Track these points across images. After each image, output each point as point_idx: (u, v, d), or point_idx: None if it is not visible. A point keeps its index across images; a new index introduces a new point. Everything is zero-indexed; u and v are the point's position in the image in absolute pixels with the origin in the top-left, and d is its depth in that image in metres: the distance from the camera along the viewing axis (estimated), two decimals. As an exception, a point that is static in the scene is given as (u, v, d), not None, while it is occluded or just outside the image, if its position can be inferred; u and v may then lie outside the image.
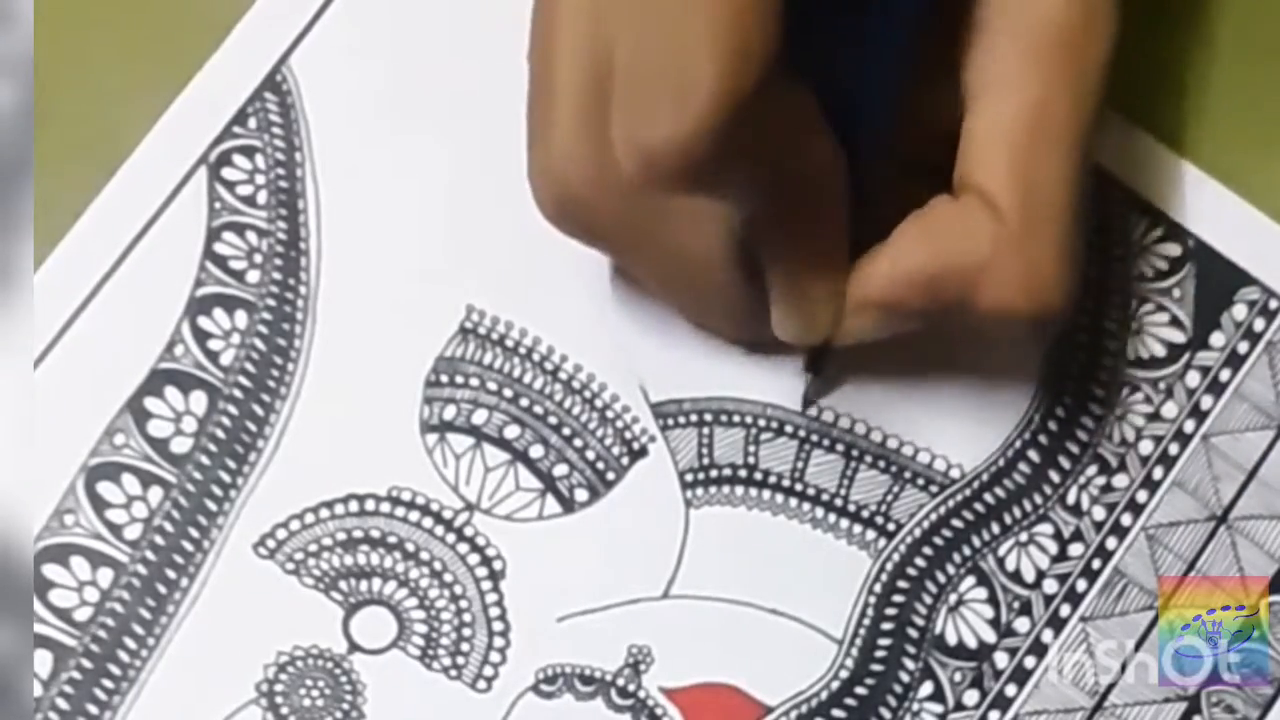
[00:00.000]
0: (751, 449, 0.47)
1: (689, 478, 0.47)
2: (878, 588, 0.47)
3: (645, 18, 0.38)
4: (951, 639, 0.47)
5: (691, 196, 0.40)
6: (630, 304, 0.47)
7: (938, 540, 0.47)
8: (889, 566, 0.47)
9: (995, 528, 0.47)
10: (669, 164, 0.38)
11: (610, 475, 0.47)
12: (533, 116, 0.43)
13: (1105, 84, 0.43)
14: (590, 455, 0.47)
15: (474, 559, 0.46)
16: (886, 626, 0.46)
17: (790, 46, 0.37)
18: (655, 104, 0.37)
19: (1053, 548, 0.47)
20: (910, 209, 0.43)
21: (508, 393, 0.47)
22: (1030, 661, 0.46)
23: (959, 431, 0.47)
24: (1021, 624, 0.47)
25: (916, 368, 0.47)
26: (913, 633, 0.47)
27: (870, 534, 0.47)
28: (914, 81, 0.43)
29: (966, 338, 0.46)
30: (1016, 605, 0.47)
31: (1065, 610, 0.47)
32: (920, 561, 0.47)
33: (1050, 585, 0.47)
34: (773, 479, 0.47)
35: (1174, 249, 0.48)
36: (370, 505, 0.47)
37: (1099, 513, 0.47)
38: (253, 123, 0.48)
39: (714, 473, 0.47)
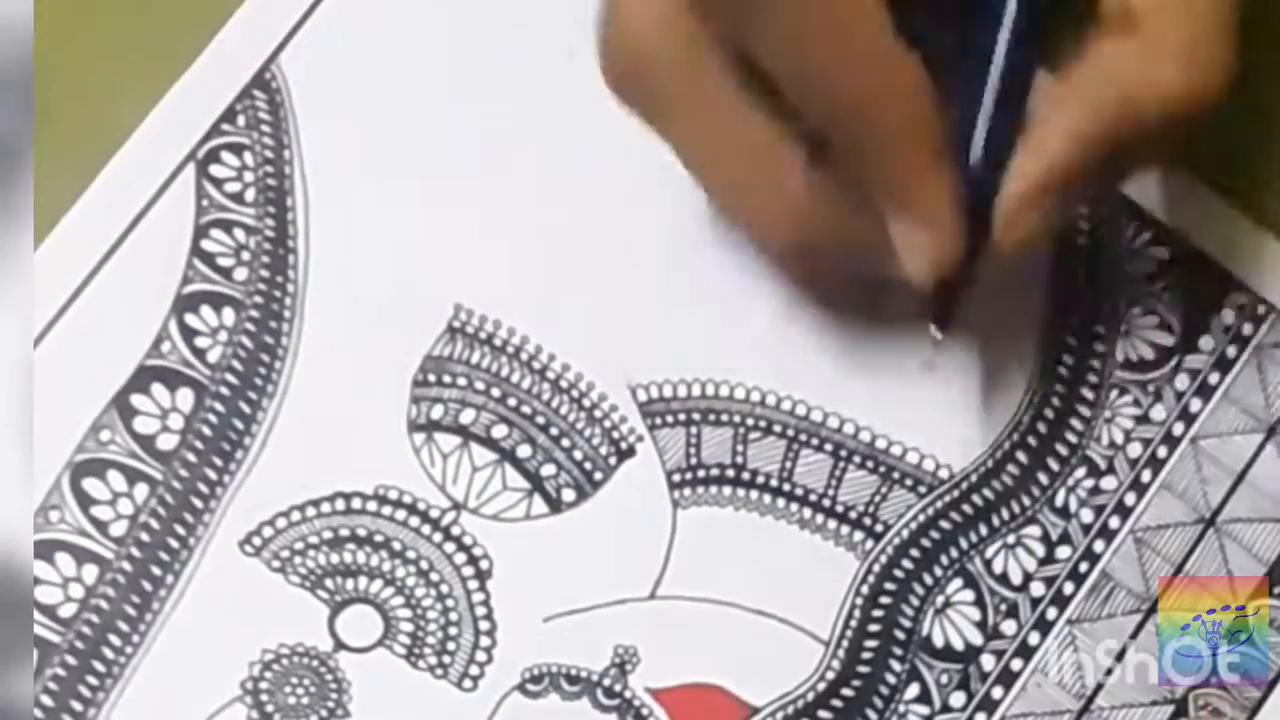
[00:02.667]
0: (739, 449, 0.47)
1: (676, 478, 0.47)
2: (865, 589, 0.47)
3: None
4: (938, 641, 0.46)
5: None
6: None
7: (925, 542, 0.47)
8: (876, 568, 0.47)
9: (983, 529, 0.47)
10: None
11: (598, 475, 0.47)
12: None
13: None
14: (578, 455, 0.47)
15: (460, 558, 0.46)
16: (873, 628, 0.46)
17: None
18: None
19: (1040, 550, 0.47)
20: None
21: (495, 392, 0.47)
22: (1017, 664, 0.46)
23: (948, 432, 0.47)
24: (1008, 626, 0.47)
25: (908, 365, 0.47)
26: (899, 634, 0.46)
27: (858, 535, 0.47)
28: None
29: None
30: (1003, 608, 0.47)
31: (1052, 613, 0.47)
32: (907, 563, 0.47)
33: (1037, 588, 0.47)
34: (760, 479, 0.47)
35: (1163, 252, 0.48)
36: (357, 504, 0.46)
37: (1087, 515, 0.47)
38: (241, 120, 0.48)
39: (702, 473, 0.47)
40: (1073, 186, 0.42)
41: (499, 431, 0.47)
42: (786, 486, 0.47)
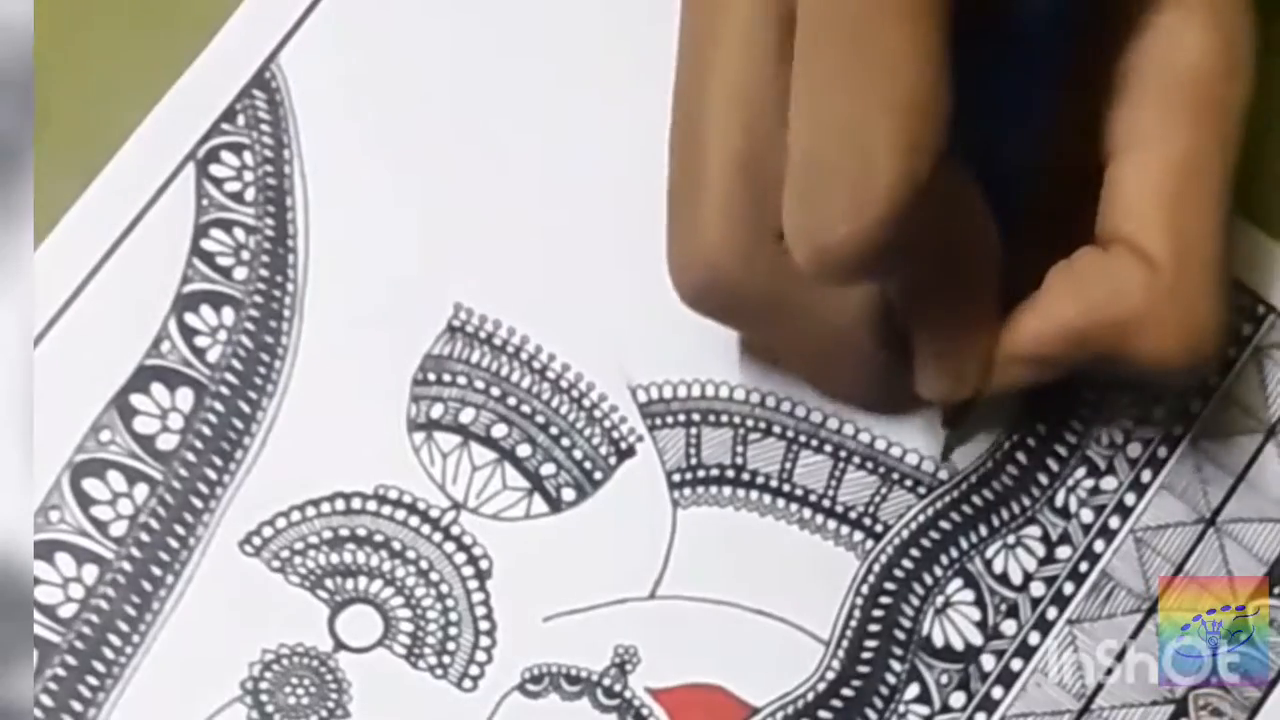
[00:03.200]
0: (739, 449, 0.47)
1: (676, 478, 0.47)
2: (865, 589, 0.47)
3: (818, 114, 0.38)
4: (938, 641, 0.46)
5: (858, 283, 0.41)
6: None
7: (925, 542, 0.47)
8: (876, 568, 0.47)
9: (983, 530, 0.47)
10: (845, 258, 0.38)
11: (597, 475, 0.47)
12: (676, 203, 0.44)
13: (1244, 127, 0.43)
14: (578, 454, 0.47)
15: (460, 558, 0.46)
16: (873, 628, 0.46)
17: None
18: (832, 199, 0.38)
19: (1040, 550, 0.47)
20: (1046, 255, 0.43)
21: (495, 391, 0.47)
22: (1017, 664, 0.46)
23: (947, 432, 0.47)
24: (1008, 626, 0.47)
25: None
26: (900, 634, 0.46)
27: (858, 535, 0.47)
28: (1055, 137, 0.43)
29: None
30: (1003, 607, 0.47)
31: (1052, 613, 0.47)
32: (907, 563, 0.47)
33: (1037, 588, 0.47)
34: (760, 479, 0.47)
35: (1163, 253, 0.48)
36: (357, 504, 0.46)
37: (1087, 515, 0.47)
38: (241, 120, 0.48)
39: (701, 473, 0.47)
40: (1061, 363, 0.43)
41: (499, 431, 0.47)
42: (786, 487, 0.47)
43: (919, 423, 0.47)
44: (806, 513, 0.47)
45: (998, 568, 0.47)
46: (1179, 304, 0.42)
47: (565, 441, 0.47)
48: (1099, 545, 0.47)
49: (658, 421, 0.47)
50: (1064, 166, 0.44)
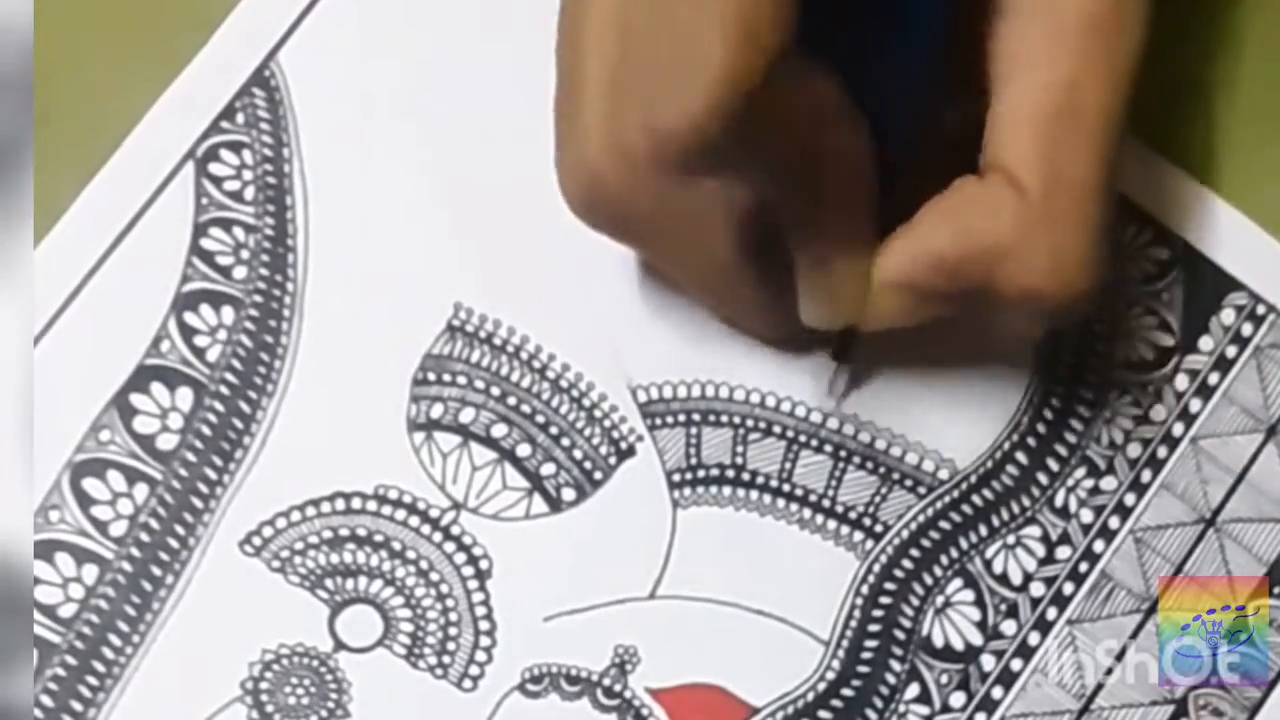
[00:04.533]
0: (739, 449, 0.47)
1: (676, 478, 0.47)
2: (865, 589, 0.47)
3: (659, 6, 0.38)
4: (938, 641, 0.46)
5: (703, 178, 0.40)
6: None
7: (925, 542, 0.47)
8: (876, 568, 0.47)
9: (983, 530, 0.47)
10: (676, 145, 0.38)
11: (598, 475, 0.47)
12: (560, 111, 0.43)
13: (1138, 67, 0.42)
14: (578, 454, 0.47)
15: (460, 558, 0.46)
16: (873, 628, 0.46)
17: (817, 37, 0.38)
18: (664, 87, 0.38)
19: (1040, 550, 0.47)
20: (941, 186, 0.43)
21: (495, 391, 0.47)
22: (1017, 664, 0.46)
23: (947, 433, 0.47)
24: (1008, 626, 0.47)
25: (905, 367, 0.47)
26: (899, 634, 0.46)
27: (858, 535, 0.47)
28: (942, 66, 0.42)
29: (963, 336, 0.46)
30: (1003, 608, 0.47)
31: (1052, 613, 0.47)
32: (907, 563, 0.47)
33: (1037, 588, 0.47)
34: (760, 479, 0.47)
35: (1163, 253, 0.48)
36: (357, 503, 0.46)
37: (1087, 515, 0.47)
38: (241, 118, 0.48)
39: (701, 473, 0.47)
40: (934, 294, 0.43)
41: (499, 430, 0.47)
42: (786, 487, 0.47)
43: (923, 422, 0.47)
44: (806, 513, 0.47)
45: (998, 568, 0.47)
46: (1048, 233, 0.41)
47: (565, 441, 0.47)
48: (1099, 545, 0.47)
49: (658, 421, 0.47)
50: (960, 95, 0.43)
